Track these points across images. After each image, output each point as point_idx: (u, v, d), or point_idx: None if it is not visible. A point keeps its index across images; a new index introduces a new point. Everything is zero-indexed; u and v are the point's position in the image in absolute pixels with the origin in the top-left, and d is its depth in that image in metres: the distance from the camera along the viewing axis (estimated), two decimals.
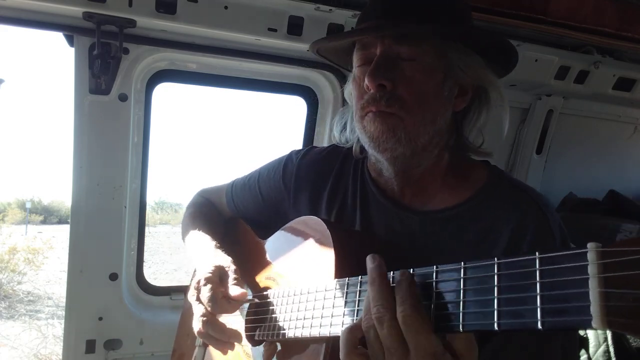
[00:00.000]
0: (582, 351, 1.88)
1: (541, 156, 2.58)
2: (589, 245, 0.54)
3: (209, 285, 1.14)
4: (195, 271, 1.45)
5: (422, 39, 1.08)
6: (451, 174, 1.20)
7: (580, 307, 0.53)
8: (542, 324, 0.57)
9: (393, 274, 0.77)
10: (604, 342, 1.85)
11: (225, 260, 1.24)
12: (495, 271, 0.64)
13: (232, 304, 1.15)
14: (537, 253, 0.60)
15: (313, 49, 1.29)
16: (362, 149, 1.25)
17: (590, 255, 0.53)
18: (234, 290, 1.14)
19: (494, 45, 1.16)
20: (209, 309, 1.12)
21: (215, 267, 1.19)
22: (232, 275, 1.18)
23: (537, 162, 2.58)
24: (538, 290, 0.58)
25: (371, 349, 0.75)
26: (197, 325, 1.14)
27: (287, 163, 1.42)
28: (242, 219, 1.54)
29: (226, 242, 1.39)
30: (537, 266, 0.59)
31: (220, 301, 1.13)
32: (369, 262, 0.77)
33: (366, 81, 1.08)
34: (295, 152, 1.45)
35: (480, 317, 0.64)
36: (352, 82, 1.18)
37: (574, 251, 0.55)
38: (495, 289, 0.64)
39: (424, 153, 1.14)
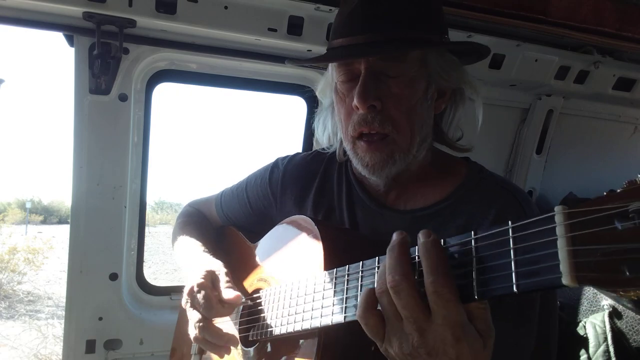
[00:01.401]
0: (582, 351, 1.88)
1: (541, 156, 2.58)
2: (555, 208, 0.56)
3: (203, 291, 1.14)
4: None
5: (406, 54, 1.10)
6: (432, 172, 1.23)
7: (550, 266, 0.56)
8: (517, 287, 0.59)
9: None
10: (604, 342, 1.85)
11: (216, 264, 1.25)
12: (473, 244, 0.66)
13: (226, 308, 1.15)
14: (509, 222, 0.62)
15: (290, 64, 1.33)
16: (345, 152, 1.26)
17: (558, 218, 0.56)
18: (228, 293, 1.14)
19: (469, 47, 1.20)
20: (204, 314, 1.12)
21: (207, 272, 1.19)
22: (224, 279, 1.19)
23: (537, 162, 2.58)
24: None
25: (385, 313, 0.74)
26: (193, 331, 1.14)
27: (273, 170, 1.45)
28: (232, 227, 1.56)
29: (219, 247, 1.41)
30: (510, 234, 0.61)
31: (215, 306, 1.13)
32: (395, 236, 0.75)
33: (355, 102, 1.08)
34: (280, 158, 1.47)
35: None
36: (335, 96, 1.18)
37: (542, 216, 0.58)
38: (474, 260, 0.66)
39: (413, 160, 1.17)
